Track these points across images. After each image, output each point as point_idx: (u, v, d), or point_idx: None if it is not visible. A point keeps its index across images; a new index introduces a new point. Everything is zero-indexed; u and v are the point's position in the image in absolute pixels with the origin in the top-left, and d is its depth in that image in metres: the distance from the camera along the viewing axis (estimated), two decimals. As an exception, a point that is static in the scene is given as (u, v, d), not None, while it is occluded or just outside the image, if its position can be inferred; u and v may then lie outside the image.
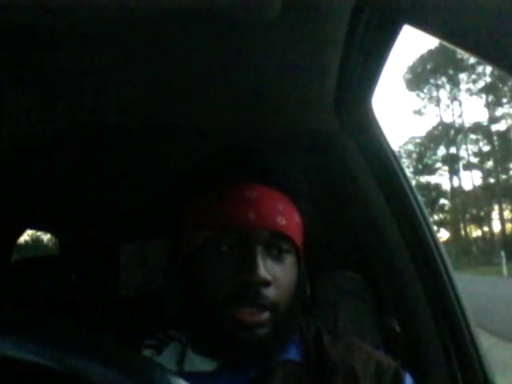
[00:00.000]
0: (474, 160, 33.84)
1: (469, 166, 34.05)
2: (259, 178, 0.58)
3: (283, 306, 0.55)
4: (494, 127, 31.97)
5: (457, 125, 34.09)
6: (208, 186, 0.59)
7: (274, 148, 0.64)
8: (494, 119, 31.80)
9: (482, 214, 33.43)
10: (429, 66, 32.75)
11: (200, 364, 0.58)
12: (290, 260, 0.58)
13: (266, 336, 0.53)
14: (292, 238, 0.57)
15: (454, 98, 33.74)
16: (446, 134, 34.19)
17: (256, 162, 0.60)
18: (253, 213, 0.54)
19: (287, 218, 0.57)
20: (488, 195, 31.82)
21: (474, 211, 33.80)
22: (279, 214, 0.56)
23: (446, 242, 32.39)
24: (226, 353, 0.55)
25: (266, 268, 0.53)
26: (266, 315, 0.53)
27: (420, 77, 33.63)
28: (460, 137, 34.08)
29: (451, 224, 34.77)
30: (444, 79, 33.44)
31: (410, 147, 36.38)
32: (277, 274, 0.55)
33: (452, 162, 34.30)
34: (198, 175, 0.61)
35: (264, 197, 0.56)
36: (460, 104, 33.74)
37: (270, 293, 0.53)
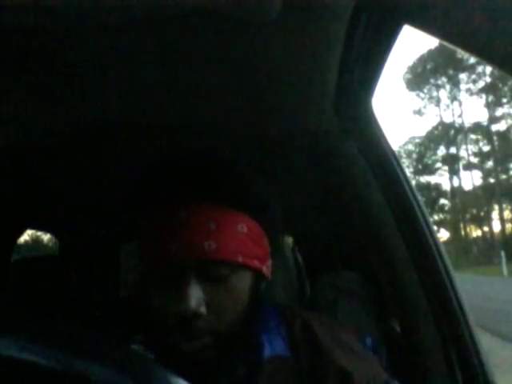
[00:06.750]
0: (474, 160, 33.88)
1: (469, 166, 34.07)
2: (196, 195, 0.52)
3: (226, 327, 0.53)
4: (494, 127, 32.04)
5: (457, 125, 34.11)
6: (144, 202, 0.57)
7: (239, 153, 0.60)
8: (493, 119, 31.81)
9: (482, 214, 33.43)
10: (429, 66, 32.76)
11: None
12: (234, 279, 0.53)
13: (209, 357, 0.52)
14: (229, 261, 0.52)
15: (453, 98, 33.75)
16: (446, 133, 34.20)
17: (192, 176, 0.53)
18: (175, 243, 0.51)
19: (221, 238, 0.51)
20: (488, 195, 31.82)
21: (474, 211, 33.80)
22: (208, 237, 0.51)
23: (446, 242, 32.39)
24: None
25: (199, 297, 0.51)
26: (205, 340, 0.52)
27: (420, 77, 33.64)
28: (460, 137, 34.08)
29: (451, 224, 34.77)
30: (444, 79, 33.45)
31: (410, 147, 36.45)
32: (216, 298, 0.52)
33: (452, 161, 34.31)
34: (135, 190, 0.59)
35: (191, 218, 0.51)
36: (460, 104, 33.78)
37: (206, 322, 0.51)
